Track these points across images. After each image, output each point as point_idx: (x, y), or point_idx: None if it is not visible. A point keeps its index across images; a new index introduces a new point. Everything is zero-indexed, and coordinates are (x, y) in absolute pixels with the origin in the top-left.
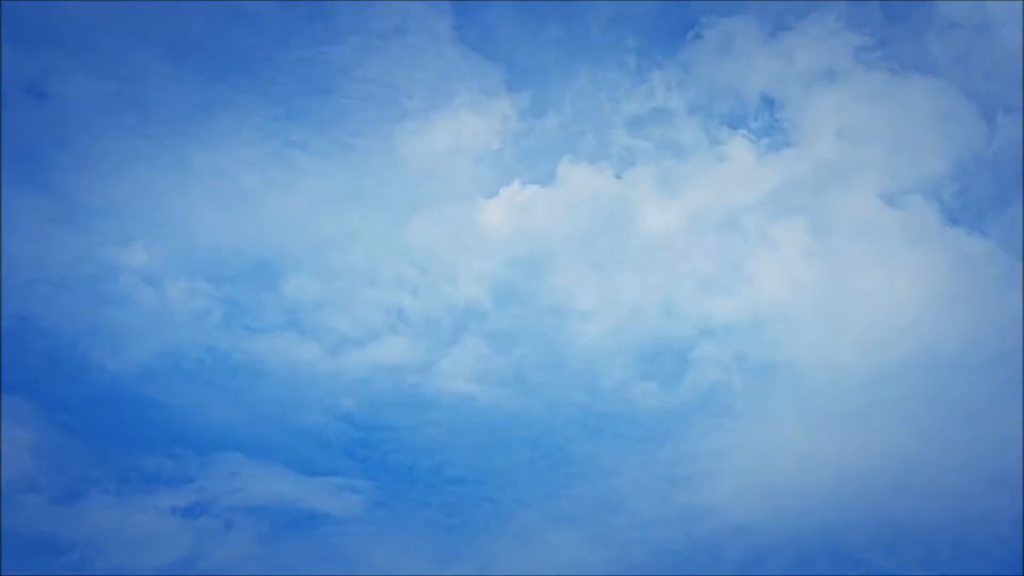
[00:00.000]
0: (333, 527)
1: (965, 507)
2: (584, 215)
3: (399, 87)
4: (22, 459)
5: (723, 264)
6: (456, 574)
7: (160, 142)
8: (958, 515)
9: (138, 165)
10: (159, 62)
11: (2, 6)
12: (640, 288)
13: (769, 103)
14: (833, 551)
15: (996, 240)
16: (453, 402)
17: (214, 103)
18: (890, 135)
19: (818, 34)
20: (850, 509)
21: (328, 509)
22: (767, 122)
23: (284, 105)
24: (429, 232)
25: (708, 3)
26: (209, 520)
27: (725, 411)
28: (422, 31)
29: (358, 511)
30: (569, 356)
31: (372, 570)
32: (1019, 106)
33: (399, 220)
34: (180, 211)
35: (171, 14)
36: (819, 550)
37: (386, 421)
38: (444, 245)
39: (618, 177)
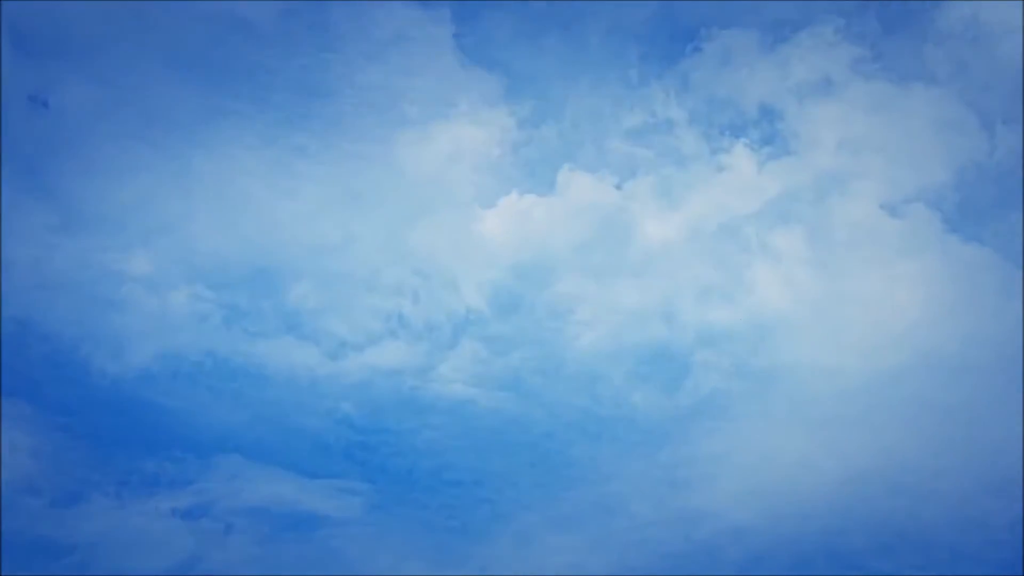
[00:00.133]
0: (333, 529)
1: (962, 510)
2: (584, 224)
3: (400, 95)
4: (23, 462)
5: (723, 272)
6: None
7: (160, 148)
8: (955, 518)
9: (139, 171)
10: (160, 69)
11: (3, 14)
12: (640, 295)
13: (769, 113)
14: (831, 553)
15: (995, 248)
16: (452, 406)
17: (214, 110)
18: (890, 145)
19: (817, 46)
20: (848, 512)
21: (328, 511)
22: (767, 132)
23: (284, 112)
24: (429, 239)
25: (708, 15)
26: (209, 522)
27: (724, 415)
28: (422, 40)
29: (357, 513)
30: (568, 360)
31: (372, 572)
32: (1019, 116)
33: (399, 226)
34: (180, 216)
35: (172, 23)
36: (817, 552)
37: (385, 424)
38: (444, 252)
39: (618, 188)
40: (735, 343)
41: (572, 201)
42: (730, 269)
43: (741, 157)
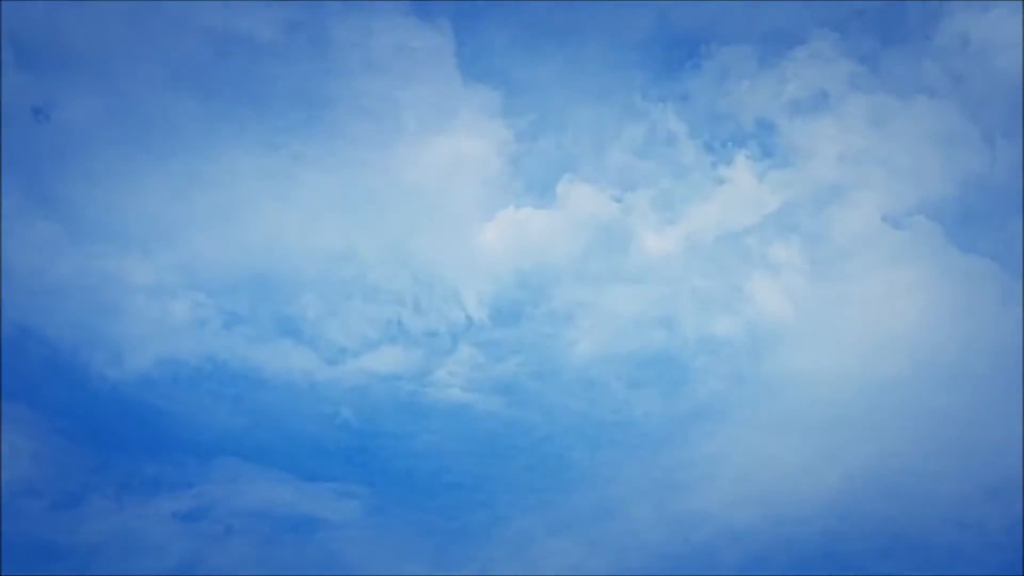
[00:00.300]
0: (332, 531)
1: (960, 513)
2: (583, 235)
3: (400, 104)
4: (23, 465)
5: (723, 283)
6: None
7: (160, 155)
8: (953, 521)
9: (138, 178)
10: (160, 77)
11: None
12: (639, 303)
13: (769, 126)
14: (829, 556)
15: (994, 258)
16: (450, 410)
17: (215, 116)
18: (891, 157)
19: (817, 61)
20: (846, 515)
21: (327, 514)
22: (767, 145)
23: (284, 119)
24: (428, 247)
25: (708, 28)
26: (209, 525)
27: (722, 418)
28: (423, 51)
29: (356, 516)
30: (566, 365)
31: (371, 573)
32: (1018, 129)
33: (399, 234)
34: (180, 223)
35: (173, 34)
36: (815, 555)
37: (384, 428)
38: (443, 260)
39: (617, 200)
40: (734, 349)
41: (572, 213)
42: (730, 280)
43: (741, 169)
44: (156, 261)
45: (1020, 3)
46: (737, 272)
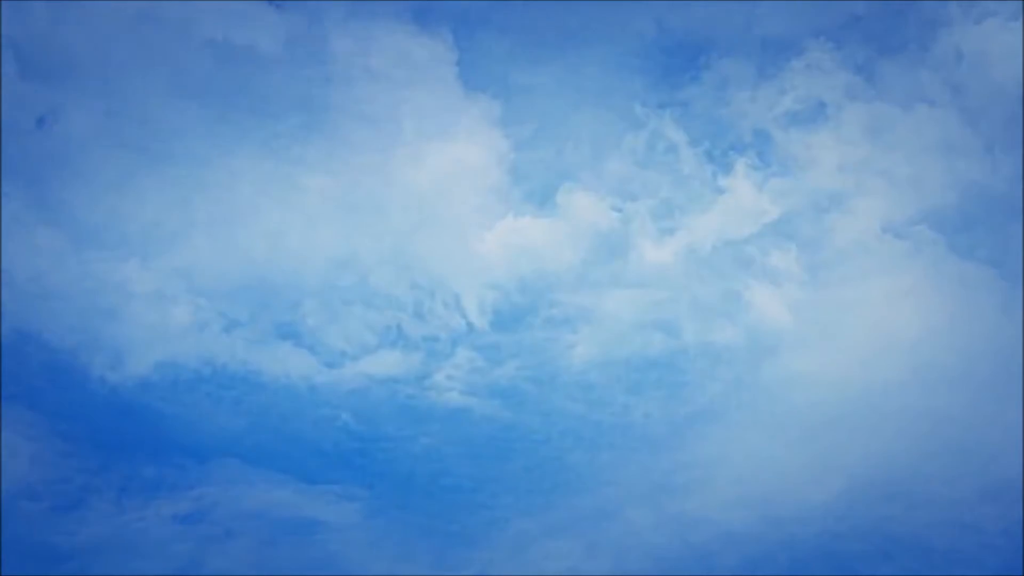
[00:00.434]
0: (331, 534)
1: (959, 515)
2: (583, 243)
3: (401, 111)
4: (23, 468)
5: (723, 291)
6: None
7: (161, 161)
8: (952, 523)
9: (139, 183)
10: (161, 84)
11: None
12: (638, 310)
13: (769, 136)
14: (827, 559)
15: (994, 266)
16: (449, 413)
17: (215, 123)
18: (890, 167)
19: (815, 71)
20: (844, 518)
21: (326, 516)
22: (767, 155)
23: (284, 125)
24: (428, 253)
25: (707, 39)
26: (209, 527)
27: (721, 421)
28: (424, 59)
29: (356, 518)
30: (564, 369)
31: (370, 575)
32: (1018, 138)
33: (399, 240)
34: (180, 228)
35: (174, 40)
36: (813, 558)
37: (383, 431)
38: (443, 266)
39: (617, 209)
40: (734, 354)
41: (571, 221)
42: (730, 287)
43: (741, 179)
44: (156, 266)
45: (1019, 13)
46: (737, 280)
